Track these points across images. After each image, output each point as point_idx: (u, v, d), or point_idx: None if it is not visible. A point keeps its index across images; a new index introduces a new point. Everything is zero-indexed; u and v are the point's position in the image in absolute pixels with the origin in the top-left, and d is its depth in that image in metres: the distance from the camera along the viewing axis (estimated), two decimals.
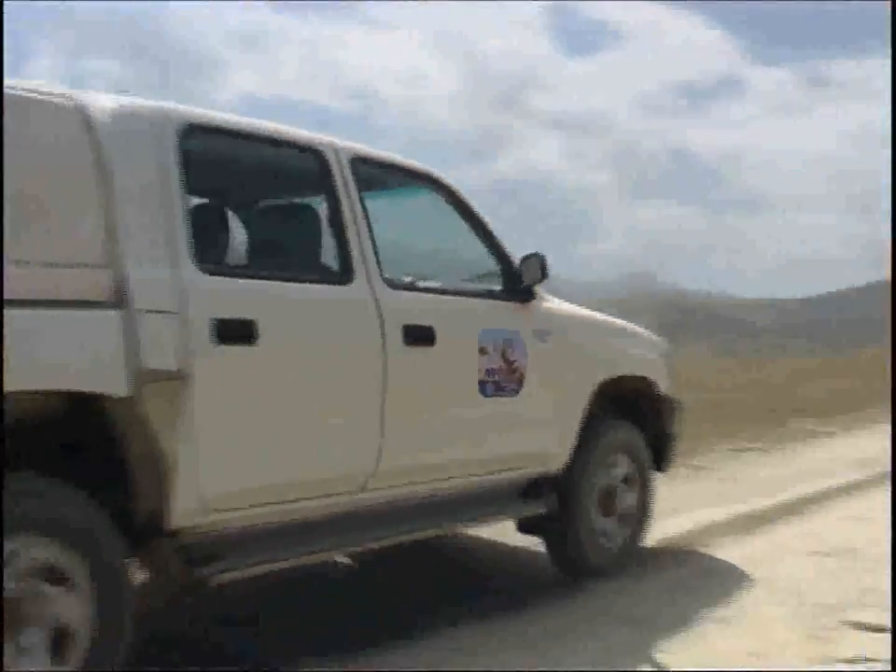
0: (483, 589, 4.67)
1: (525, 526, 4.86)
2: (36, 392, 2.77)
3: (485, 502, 4.42)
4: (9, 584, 2.68)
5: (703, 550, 5.43)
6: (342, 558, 4.52)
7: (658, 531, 5.39)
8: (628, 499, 5.06)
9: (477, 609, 4.20)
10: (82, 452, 3.08)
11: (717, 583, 4.77)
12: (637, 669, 3.46)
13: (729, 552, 5.34)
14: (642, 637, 3.92)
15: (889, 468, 6.87)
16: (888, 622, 3.96)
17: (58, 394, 2.86)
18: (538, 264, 4.39)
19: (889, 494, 6.18)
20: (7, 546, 2.67)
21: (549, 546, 4.90)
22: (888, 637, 3.82)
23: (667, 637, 3.93)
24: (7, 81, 2.94)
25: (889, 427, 8.80)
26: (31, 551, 2.78)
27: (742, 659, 3.69)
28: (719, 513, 6.19)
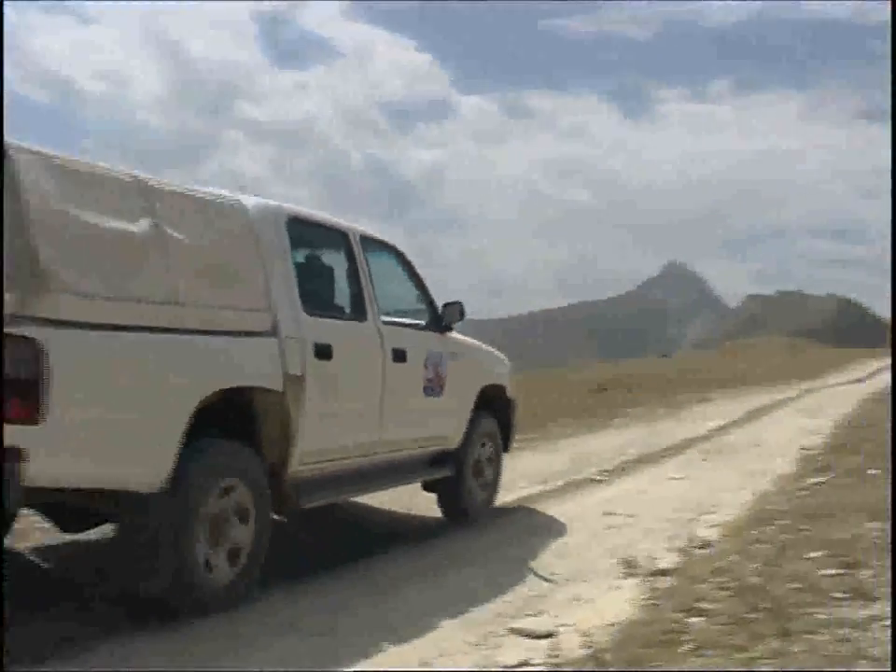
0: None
1: (428, 486, 7.38)
2: (239, 387, 4.93)
3: (420, 467, 6.98)
4: (215, 510, 4.79)
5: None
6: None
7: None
8: (488, 470, 7.78)
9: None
10: (247, 424, 5.14)
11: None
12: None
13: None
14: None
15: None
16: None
17: (241, 388, 4.97)
18: (457, 309, 7.04)
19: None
20: (221, 484, 4.79)
21: (441, 499, 7.48)
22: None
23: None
24: (210, 189, 5.30)
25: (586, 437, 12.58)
26: (236, 491, 4.91)
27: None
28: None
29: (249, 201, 5.43)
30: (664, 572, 5.62)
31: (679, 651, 4.05)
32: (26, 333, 3.85)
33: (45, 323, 3.92)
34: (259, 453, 5.14)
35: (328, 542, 6.77)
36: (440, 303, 7.12)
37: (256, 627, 4.68)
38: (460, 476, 7.33)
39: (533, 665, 4.29)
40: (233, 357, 4.97)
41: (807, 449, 11.82)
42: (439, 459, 7.15)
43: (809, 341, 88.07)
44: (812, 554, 5.58)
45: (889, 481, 7.49)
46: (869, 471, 8.79)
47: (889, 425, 12.88)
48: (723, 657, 3.92)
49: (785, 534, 6.31)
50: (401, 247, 6.97)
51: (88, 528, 5.37)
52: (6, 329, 3.80)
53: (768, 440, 13.42)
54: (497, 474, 7.94)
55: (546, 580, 5.97)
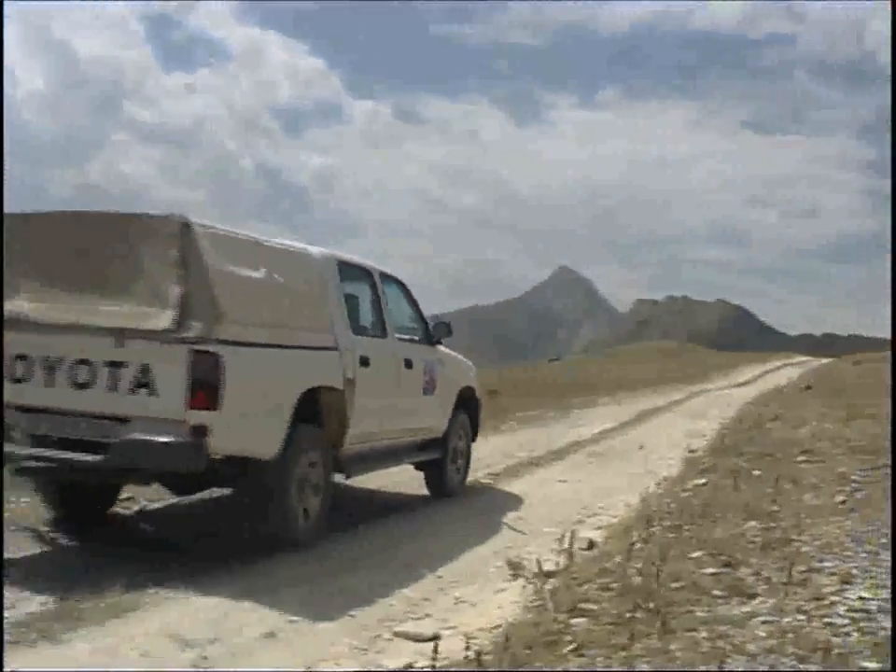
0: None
1: (418, 467, 9.25)
2: (318, 387, 6.81)
3: (418, 450, 8.92)
4: (303, 475, 6.62)
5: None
6: None
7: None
8: (461, 457, 9.69)
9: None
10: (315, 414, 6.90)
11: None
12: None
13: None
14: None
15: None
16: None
17: (319, 388, 6.82)
18: (444, 327, 9.26)
19: None
20: (307, 456, 6.67)
21: (428, 478, 9.35)
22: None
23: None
24: (292, 241, 7.34)
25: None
26: (315, 462, 6.78)
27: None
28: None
29: (314, 250, 7.47)
30: (549, 574, 5.70)
31: (560, 651, 4.12)
32: (210, 349, 5.80)
33: (220, 343, 5.86)
34: (326, 435, 7.13)
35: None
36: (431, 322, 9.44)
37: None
38: (444, 460, 9.31)
39: (416, 668, 4.35)
40: (315, 366, 6.97)
41: (692, 451, 12.14)
42: (429, 445, 9.09)
43: (697, 345, 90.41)
44: (694, 554, 5.74)
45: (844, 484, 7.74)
46: (753, 472, 9.07)
47: (772, 425, 13.34)
48: (604, 656, 4.01)
49: (668, 534, 6.47)
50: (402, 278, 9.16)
51: (194, 492, 7.62)
52: (196, 347, 5.78)
53: (655, 442, 13.74)
54: (468, 460, 9.93)
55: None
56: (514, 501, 9.18)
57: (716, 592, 4.93)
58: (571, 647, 4.14)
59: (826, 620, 4.36)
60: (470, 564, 6.65)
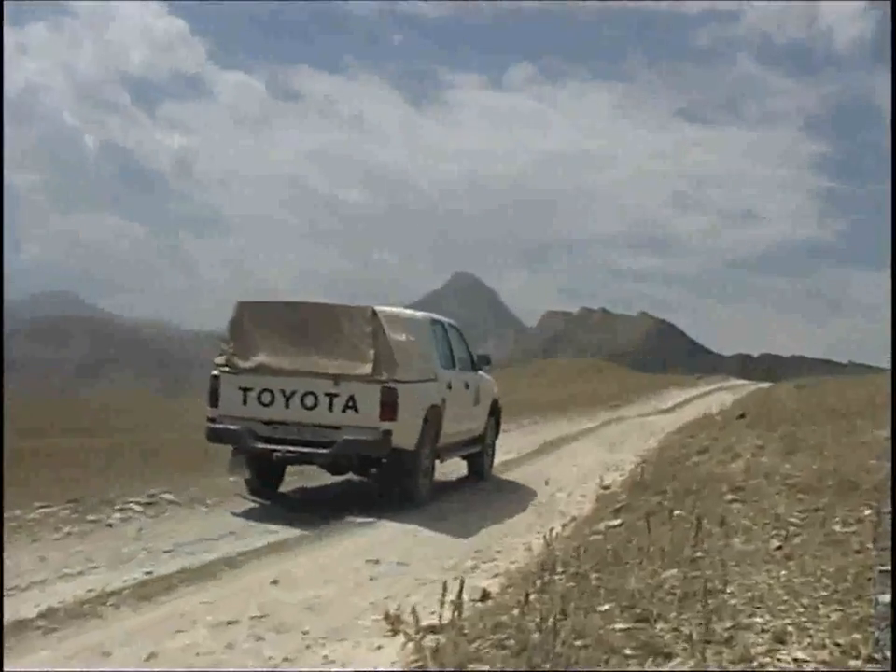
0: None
1: (464, 457, 14.65)
2: (433, 404, 12.60)
3: (469, 444, 14.49)
4: (426, 460, 12.38)
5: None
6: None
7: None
8: (491, 450, 15.59)
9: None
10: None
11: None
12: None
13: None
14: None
15: None
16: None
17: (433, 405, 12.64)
18: (485, 358, 15.74)
19: None
20: (427, 449, 12.35)
21: (469, 464, 15.00)
22: None
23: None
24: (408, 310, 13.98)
25: None
26: (430, 452, 12.61)
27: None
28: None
29: (419, 314, 13.61)
30: (434, 629, 5.66)
31: None
32: (392, 386, 11.25)
33: (396, 382, 11.31)
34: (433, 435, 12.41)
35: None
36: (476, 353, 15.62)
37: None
38: (482, 453, 15.04)
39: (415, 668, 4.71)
40: (431, 391, 12.39)
41: (605, 487, 12.29)
42: (474, 441, 14.70)
43: (615, 364, 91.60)
44: (602, 607, 5.76)
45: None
46: (675, 512, 9.16)
47: (699, 458, 13.55)
48: None
49: (573, 583, 6.49)
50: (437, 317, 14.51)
51: (346, 473, 12.75)
52: (385, 385, 11.23)
53: (563, 476, 13.88)
54: (493, 453, 15.80)
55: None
56: (394, 544, 9.12)
57: (627, 651, 4.93)
58: None
59: None
60: (336, 618, 6.58)
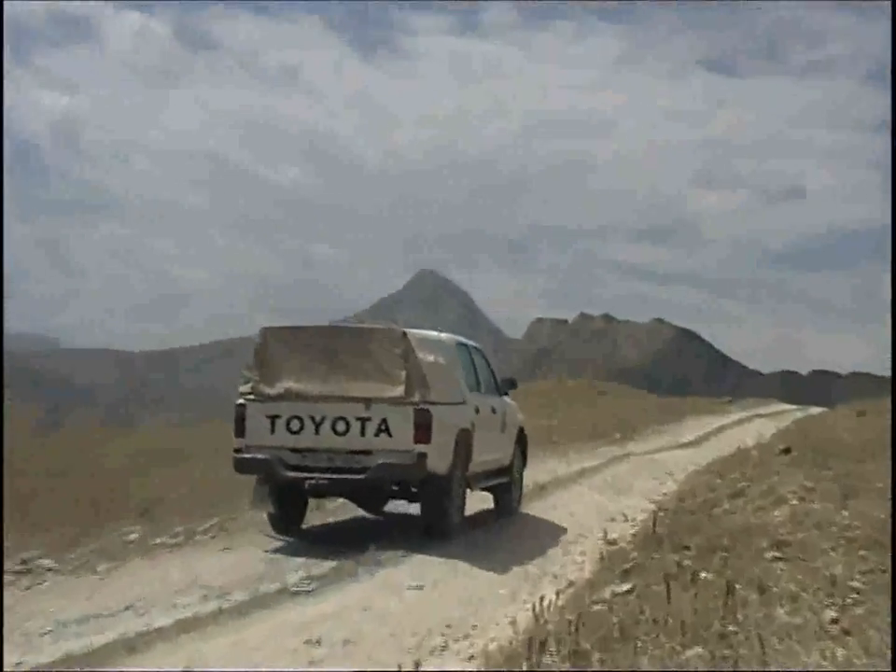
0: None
1: (486, 489, 16.61)
2: (463, 428, 15.26)
3: (496, 475, 16.80)
4: (458, 487, 14.91)
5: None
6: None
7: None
8: (519, 480, 18.11)
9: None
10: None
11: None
12: None
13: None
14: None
15: None
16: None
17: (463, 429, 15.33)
18: (510, 382, 18.47)
19: None
20: (458, 475, 14.72)
21: (496, 498, 17.25)
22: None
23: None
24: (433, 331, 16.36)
25: None
26: (461, 479, 15.21)
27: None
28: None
29: (444, 336, 15.83)
30: None
31: None
32: (425, 408, 13.63)
33: (429, 404, 13.73)
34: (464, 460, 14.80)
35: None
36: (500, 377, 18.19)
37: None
38: (510, 484, 17.07)
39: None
40: (461, 414, 14.79)
41: (611, 542, 12.25)
42: (502, 472, 16.71)
43: (622, 384, 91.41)
44: None
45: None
46: (700, 574, 9.12)
47: (731, 505, 13.52)
48: None
49: (570, 665, 6.44)
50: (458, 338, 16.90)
51: (378, 507, 15.73)
52: (418, 407, 13.58)
53: (559, 526, 13.83)
54: (521, 484, 17.95)
55: None
56: (340, 621, 9.06)
57: None
58: None
59: None
60: None
